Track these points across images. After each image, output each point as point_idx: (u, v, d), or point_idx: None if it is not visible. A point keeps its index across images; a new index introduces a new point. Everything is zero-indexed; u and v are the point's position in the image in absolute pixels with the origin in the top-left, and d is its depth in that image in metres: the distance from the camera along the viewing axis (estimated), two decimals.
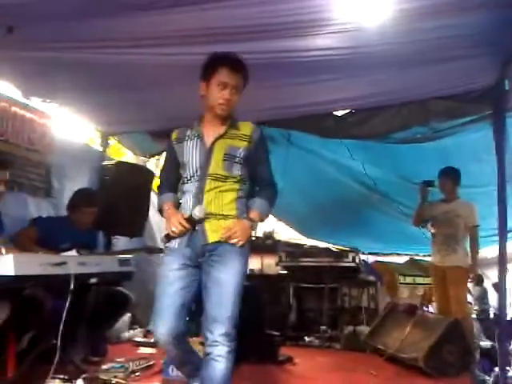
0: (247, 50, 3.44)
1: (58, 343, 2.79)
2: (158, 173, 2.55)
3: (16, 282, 2.51)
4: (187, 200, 2.50)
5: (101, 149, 5.55)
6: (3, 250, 2.98)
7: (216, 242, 2.42)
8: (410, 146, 5.01)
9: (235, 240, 2.39)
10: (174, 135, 2.63)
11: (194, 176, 2.49)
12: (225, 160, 2.47)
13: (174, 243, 2.46)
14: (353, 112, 4.84)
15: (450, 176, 4.79)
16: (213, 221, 2.44)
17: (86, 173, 5.22)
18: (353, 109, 4.81)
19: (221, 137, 2.51)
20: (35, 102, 4.52)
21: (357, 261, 5.95)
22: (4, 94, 4.22)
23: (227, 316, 2.30)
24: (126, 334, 5.07)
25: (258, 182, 2.64)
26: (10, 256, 2.48)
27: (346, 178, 6.22)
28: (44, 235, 3.72)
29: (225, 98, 2.46)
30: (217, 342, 2.27)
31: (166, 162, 2.72)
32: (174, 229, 2.42)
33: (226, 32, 3.23)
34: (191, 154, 2.52)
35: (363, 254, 7.35)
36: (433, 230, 4.96)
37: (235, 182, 2.50)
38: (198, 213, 2.40)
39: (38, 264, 2.60)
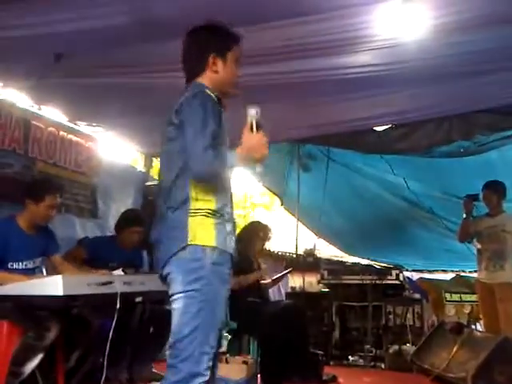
0: (287, 69, 3.53)
1: (105, 362, 2.85)
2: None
3: (65, 302, 2.58)
4: (230, 200, 2.05)
5: (144, 170, 5.67)
6: (44, 272, 3.11)
7: None
8: (453, 160, 4.93)
9: None
10: (213, 94, 2.05)
11: None
12: None
13: (231, 248, 1.97)
14: (393, 127, 4.81)
15: (495, 189, 4.66)
16: None
17: (130, 193, 5.34)
18: (393, 124, 4.79)
19: None
20: (81, 126, 4.68)
21: (401, 278, 5.84)
22: (52, 119, 4.39)
23: None
24: None
25: None
26: (59, 277, 2.55)
27: (388, 193, 6.16)
28: (91, 255, 3.84)
29: (239, 76, 2.13)
30: None
31: (217, 122, 1.95)
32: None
33: (266, 53, 3.27)
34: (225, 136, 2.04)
35: (407, 271, 7.21)
36: (479, 246, 4.83)
37: None
38: (257, 113, 1.98)
39: (85, 284, 2.67)
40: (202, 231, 1.91)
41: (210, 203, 1.95)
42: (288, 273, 5.18)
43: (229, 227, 1.98)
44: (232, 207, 2.07)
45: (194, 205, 1.94)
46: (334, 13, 2.92)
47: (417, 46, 3.18)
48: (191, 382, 1.82)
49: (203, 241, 1.90)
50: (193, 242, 1.90)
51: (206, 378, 1.85)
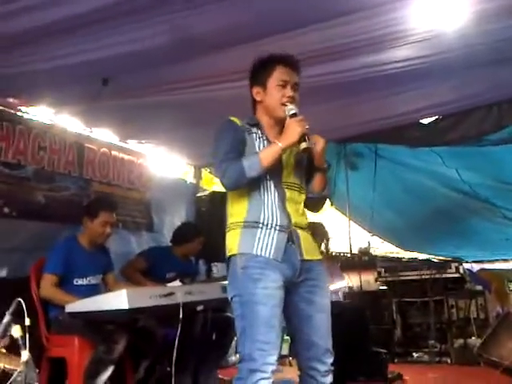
0: (328, 71, 3.54)
1: (172, 371, 2.93)
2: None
3: (130, 315, 2.68)
4: (268, 208, 2.14)
5: (194, 181, 5.76)
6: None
7: (310, 261, 2.20)
8: (506, 147, 4.79)
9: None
10: (237, 121, 2.24)
11: (262, 181, 2.16)
12: (295, 169, 2.25)
13: (266, 251, 2.08)
14: (440, 118, 4.73)
15: None
16: (302, 233, 2.21)
17: (182, 205, 5.44)
18: (440, 115, 4.71)
19: None
20: (132, 144, 4.83)
21: (461, 271, 5.70)
22: (104, 140, 4.55)
23: (331, 343, 2.18)
24: (233, 358, 5.17)
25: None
26: (124, 291, 2.66)
27: (440, 186, 6.03)
28: (150, 265, 3.95)
29: (288, 95, 2.19)
30: (328, 371, 2.14)
31: (230, 142, 2.16)
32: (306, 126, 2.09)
33: (306, 56, 3.26)
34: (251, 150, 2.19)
35: (466, 262, 7.03)
36: None
37: (303, 193, 2.29)
38: (295, 109, 2.17)
39: (148, 296, 2.77)
40: (232, 243, 2.15)
41: (241, 216, 2.15)
42: None
43: (263, 233, 2.11)
44: (278, 213, 2.15)
45: (229, 220, 2.20)
46: (369, 11, 2.91)
47: (457, 36, 3.12)
48: (250, 378, 1.96)
49: (232, 250, 2.13)
50: (228, 255, 2.15)
51: (266, 374, 1.97)
